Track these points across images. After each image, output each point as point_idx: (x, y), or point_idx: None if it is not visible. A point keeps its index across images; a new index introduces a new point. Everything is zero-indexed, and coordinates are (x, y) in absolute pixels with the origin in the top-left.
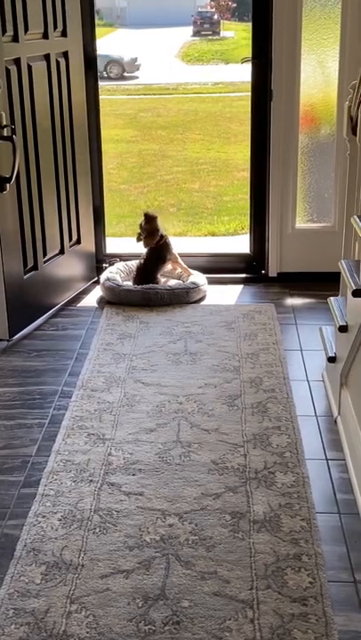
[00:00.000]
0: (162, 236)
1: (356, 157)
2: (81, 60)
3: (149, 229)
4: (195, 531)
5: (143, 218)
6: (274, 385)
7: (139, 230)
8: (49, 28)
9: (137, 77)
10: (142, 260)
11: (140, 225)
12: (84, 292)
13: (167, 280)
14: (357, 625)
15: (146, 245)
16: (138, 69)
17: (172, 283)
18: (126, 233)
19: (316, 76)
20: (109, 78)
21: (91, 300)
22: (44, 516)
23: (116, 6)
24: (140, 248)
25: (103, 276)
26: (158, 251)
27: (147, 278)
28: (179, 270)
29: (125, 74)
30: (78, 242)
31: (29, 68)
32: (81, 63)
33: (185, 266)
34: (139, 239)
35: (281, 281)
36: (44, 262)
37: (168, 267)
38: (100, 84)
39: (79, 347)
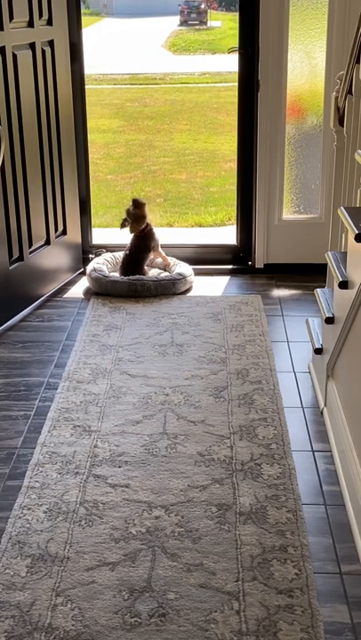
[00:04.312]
0: (147, 224)
1: (343, 148)
2: (67, 49)
3: (137, 215)
4: (181, 523)
5: (131, 203)
6: (260, 376)
7: (124, 216)
8: (34, 16)
9: None
10: (127, 250)
11: (128, 210)
12: (70, 283)
13: (153, 271)
14: (343, 616)
15: (132, 231)
16: None
17: (159, 273)
18: (113, 224)
19: (303, 66)
20: None
21: (77, 291)
22: (29, 509)
23: None
24: (126, 238)
25: (89, 267)
26: (143, 239)
27: (133, 268)
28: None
29: None
30: (64, 232)
31: (14, 56)
32: (67, 52)
33: (164, 255)
34: (123, 225)
35: (268, 272)
36: (30, 253)
37: (152, 256)
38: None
39: (65, 338)
